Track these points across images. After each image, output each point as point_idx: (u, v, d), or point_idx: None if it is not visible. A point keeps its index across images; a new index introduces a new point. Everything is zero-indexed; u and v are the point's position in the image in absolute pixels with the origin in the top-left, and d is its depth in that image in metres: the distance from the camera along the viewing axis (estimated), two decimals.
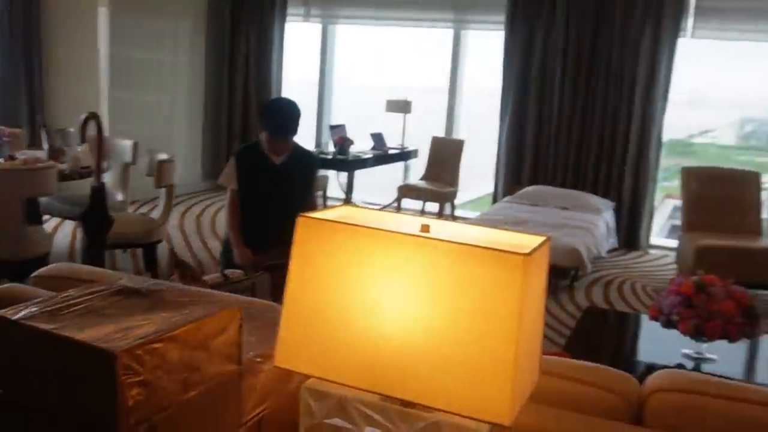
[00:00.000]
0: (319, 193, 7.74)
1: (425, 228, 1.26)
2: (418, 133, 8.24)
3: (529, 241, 1.30)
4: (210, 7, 8.41)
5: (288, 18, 8.43)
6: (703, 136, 13.38)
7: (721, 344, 3.29)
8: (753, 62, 8.31)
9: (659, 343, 3.76)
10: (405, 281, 1.18)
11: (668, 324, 3.26)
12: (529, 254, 1.15)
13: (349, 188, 7.40)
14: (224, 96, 8.61)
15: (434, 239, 1.19)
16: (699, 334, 3.17)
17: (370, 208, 1.44)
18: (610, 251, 6.72)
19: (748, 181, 6.31)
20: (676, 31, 6.90)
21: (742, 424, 1.52)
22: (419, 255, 1.18)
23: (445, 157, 7.59)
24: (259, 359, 1.44)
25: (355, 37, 9.57)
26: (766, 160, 7.39)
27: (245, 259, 3.63)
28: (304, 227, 1.25)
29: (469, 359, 1.14)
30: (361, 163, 7.38)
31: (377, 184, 8.71)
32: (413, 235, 1.20)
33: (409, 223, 1.32)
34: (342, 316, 1.21)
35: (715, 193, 6.22)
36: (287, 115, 3.66)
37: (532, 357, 1.26)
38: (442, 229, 1.30)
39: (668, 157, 9.35)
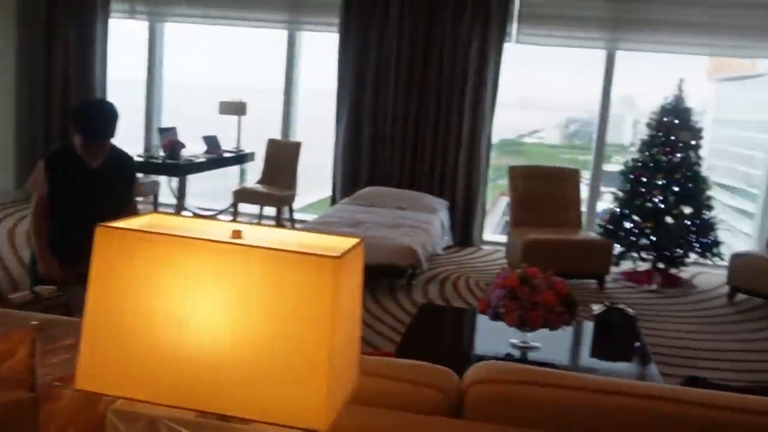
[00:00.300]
0: (150, 199, 7.42)
1: (236, 234, 1.22)
2: (255, 136, 8.11)
3: (343, 244, 1.28)
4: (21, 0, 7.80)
5: (112, 15, 7.99)
6: (532, 136, 14.12)
7: (546, 331, 3.47)
8: (575, 67, 8.86)
9: (490, 335, 3.92)
10: (215, 290, 1.14)
11: (495, 317, 3.40)
12: (340, 257, 1.13)
13: (181, 194, 7.14)
14: (39, 97, 7.99)
15: (244, 245, 1.15)
16: (523, 324, 3.32)
17: (182, 215, 1.37)
18: (445, 249, 6.94)
19: (569, 177, 6.73)
20: (502, 36, 7.23)
21: (555, 409, 1.59)
22: (229, 262, 1.14)
23: (282, 160, 7.52)
24: (58, 383, 1.33)
25: (186, 36, 9.26)
26: (587, 158, 7.93)
27: (52, 272, 3.36)
28: (103, 238, 1.17)
29: (283, 367, 1.12)
30: (194, 167, 7.14)
31: (212, 188, 8.49)
32: (222, 242, 1.15)
33: (221, 230, 1.27)
34: (148, 331, 1.14)
35: (540, 190, 6.58)
36: (105, 118, 3.44)
37: (349, 359, 1.24)
38: (255, 234, 1.26)
39: (501, 157, 9.80)
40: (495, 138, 7.63)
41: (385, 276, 5.64)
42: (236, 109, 7.82)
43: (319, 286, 1.11)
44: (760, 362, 4.76)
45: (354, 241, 1.28)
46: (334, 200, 7.58)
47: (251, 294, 1.12)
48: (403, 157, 7.45)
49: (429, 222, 6.38)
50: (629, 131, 11.48)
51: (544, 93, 11.95)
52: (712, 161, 10.88)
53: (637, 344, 3.79)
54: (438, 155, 7.41)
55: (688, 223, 6.49)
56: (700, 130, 6.66)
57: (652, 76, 7.09)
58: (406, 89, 7.37)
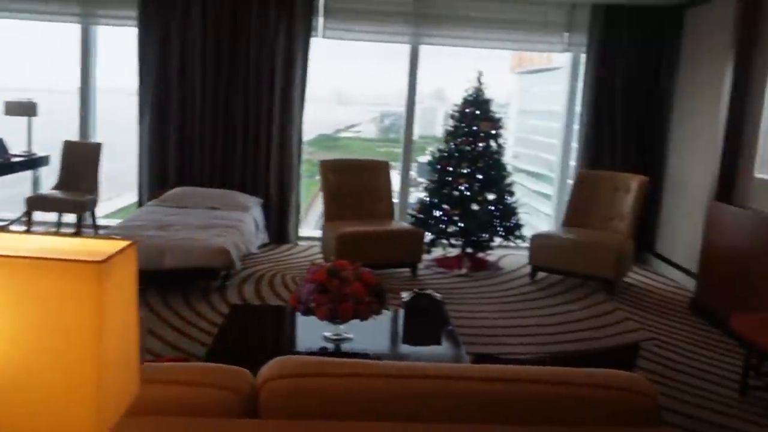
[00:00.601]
0: None
1: None
2: (49, 138, 7.52)
3: (112, 248, 1.20)
4: None
5: None
6: (348, 130, 14.33)
7: (359, 322, 3.50)
8: (387, 61, 9.05)
9: (305, 331, 3.92)
10: None
11: (307, 311, 3.39)
12: (104, 261, 1.06)
13: None
14: None
15: None
16: (334, 317, 3.34)
17: None
18: (261, 247, 6.86)
19: (379, 169, 6.87)
20: (308, 31, 7.23)
21: (353, 398, 1.59)
22: None
23: (82, 163, 7.03)
24: None
25: None
26: (401, 151, 8.13)
27: None
28: None
29: (45, 384, 1.04)
30: None
31: (2, 197, 7.81)
32: None
33: None
34: None
35: (352, 183, 6.67)
36: None
37: (124, 370, 1.17)
38: (11, 242, 1.16)
39: (319, 152, 9.85)
40: (311, 134, 7.63)
41: (197, 278, 5.46)
42: (25, 109, 7.20)
43: (80, 295, 1.04)
44: (558, 334, 5.13)
45: (124, 243, 1.20)
46: (141, 203, 7.24)
47: (3, 308, 1.02)
48: (213, 156, 7.26)
49: (242, 221, 6.26)
50: (442, 123, 11.98)
51: (359, 88, 12.18)
52: (518, 149, 11.62)
53: (446, 327, 3.94)
54: (249, 152, 7.30)
55: (492, 208, 6.86)
56: (499, 120, 7.03)
57: (460, 70, 7.40)
58: (212, 86, 7.18)
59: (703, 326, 5.44)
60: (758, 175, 5.38)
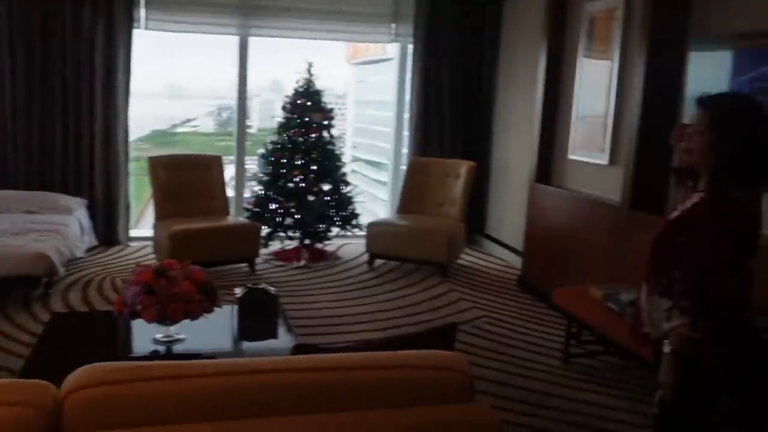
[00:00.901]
0: None
1: None
2: None
3: None
4: None
5: None
6: (185, 125, 13.87)
7: (191, 322, 3.39)
8: (222, 53, 8.79)
9: (135, 335, 3.75)
10: None
11: (133, 315, 3.25)
12: None
13: None
14: None
15: None
16: (163, 318, 3.22)
17: None
18: (89, 250, 6.50)
19: (211, 164, 6.71)
20: (130, 23, 6.90)
21: (172, 402, 1.53)
22: None
23: None
24: None
25: None
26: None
27: None
28: None
29: None
30: None
31: None
32: None
33: None
34: None
35: (183, 179, 6.47)
36: None
37: None
38: None
39: (154, 149, 9.44)
40: (145, 130, 7.29)
41: (16, 288, 5.09)
42: None
43: None
44: (396, 318, 5.25)
45: None
46: None
47: None
48: (29, 157, 6.76)
49: (64, 224, 5.88)
50: (279, 115, 11.89)
51: (194, 81, 11.80)
52: (356, 139, 11.73)
53: (282, 320, 3.91)
54: (71, 151, 6.87)
55: (328, 198, 6.89)
56: (330, 110, 7.06)
57: (297, 62, 7.31)
58: (26, 84, 6.68)
59: (531, 301, 5.77)
60: (571, 157, 5.76)
